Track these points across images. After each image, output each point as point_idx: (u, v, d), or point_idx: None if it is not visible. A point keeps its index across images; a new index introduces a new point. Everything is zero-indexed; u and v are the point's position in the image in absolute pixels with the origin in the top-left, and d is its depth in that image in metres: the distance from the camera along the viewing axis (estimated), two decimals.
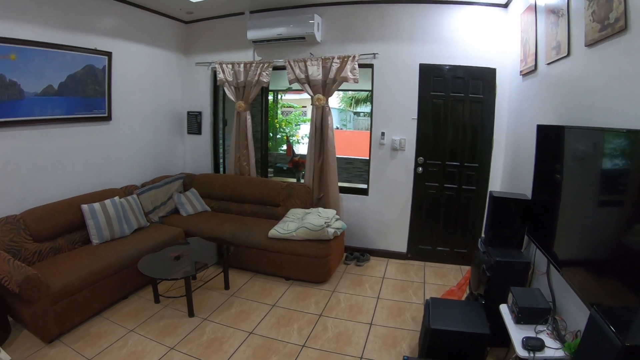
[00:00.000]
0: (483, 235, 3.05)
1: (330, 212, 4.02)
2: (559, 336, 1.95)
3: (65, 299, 2.98)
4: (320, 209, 4.08)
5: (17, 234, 3.30)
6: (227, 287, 3.73)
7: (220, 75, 4.78)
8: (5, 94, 3.34)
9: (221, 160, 5.49)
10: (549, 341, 1.92)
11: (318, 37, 4.32)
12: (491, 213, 2.82)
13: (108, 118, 4.25)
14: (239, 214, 4.64)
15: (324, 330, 3.08)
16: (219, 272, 3.84)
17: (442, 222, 4.30)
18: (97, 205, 3.80)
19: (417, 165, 4.20)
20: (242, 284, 3.85)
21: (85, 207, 3.74)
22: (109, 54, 4.14)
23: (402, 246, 4.40)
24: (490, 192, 2.96)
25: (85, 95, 4.01)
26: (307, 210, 4.14)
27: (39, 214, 3.51)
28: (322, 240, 3.75)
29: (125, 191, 4.36)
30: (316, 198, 4.54)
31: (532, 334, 1.96)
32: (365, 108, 13.00)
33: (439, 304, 2.67)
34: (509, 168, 3.71)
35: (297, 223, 3.88)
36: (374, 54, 4.15)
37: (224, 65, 4.72)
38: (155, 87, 4.86)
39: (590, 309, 1.63)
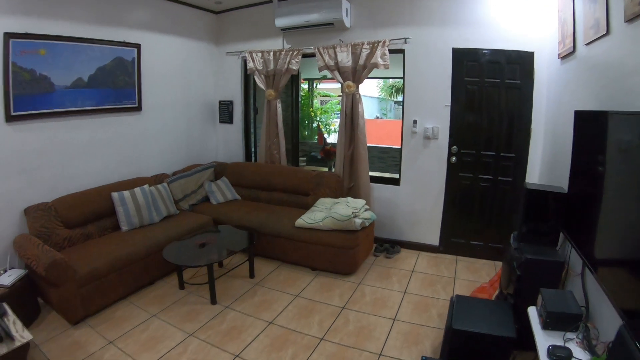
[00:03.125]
0: (517, 230, 2.87)
1: (359, 202, 3.96)
2: (589, 346, 1.75)
3: (91, 283, 3.10)
4: (349, 199, 4.02)
5: (48, 220, 3.47)
6: (252, 275, 3.76)
7: (250, 64, 4.78)
8: (37, 88, 3.49)
9: (253, 149, 5.51)
10: (577, 351, 1.73)
11: (347, 23, 4.22)
12: (525, 207, 2.62)
13: (138, 108, 4.36)
14: (268, 203, 4.66)
15: (345, 323, 3.02)
16: (244, 260, 3.85)
17: (476, 215, 4.12)
18: (126, 193, 3.93)
19: (450, 154, 4.04)
20: (268, 273, 3.86)
21: (115, 194, 3.87)
22: (138, 46, 4.23)
23: (434, 239, 4.28)
24: (525, 184, 2.78)
25: (115, 87, 4.12)
26: (336, 200, 4.07)
27: (69, 202, 3.68)
28: (350, 231, 3.68)
29: (156, 179, 4.47)
30: (346, 187, 4.49)
31: (560, 342, 1.79)
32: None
33: (464, 303, 2.53)
34: (548, 159, 3.47)
35: (324, 213, 3.82)
36: (405, 38, 4.02)
37: (253, 54, 4.74)
38: (187, 78, 4.96)
39: (622, 318, 1.46)
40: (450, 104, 3.98)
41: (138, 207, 3.92)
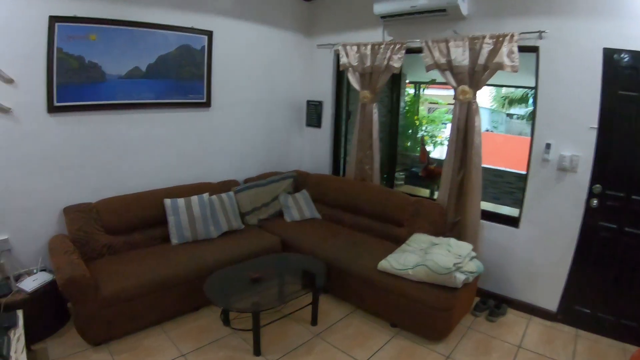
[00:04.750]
0: None
1: (465, 248, 3.57)
2: None
3: (117, 305, 3.15)
4: (452, 241, 3.67)
5: (88, 223, 3.65)
6: (314, 321, 3.57)
7: (343, 59, 4.66)
8: (85, 76, 3.64)
9: (342, 160, 5.39)
10: None
11: (464, 10, 3.86)
12: None
13: (207, 104, 4.49)
14: (351, 228, 4.50)
15: None
16: (309, 301, 3.58)
17: (612, 279, 3.51)
18: (181, 201, 4.01)
19: (591, 195, 3.48)
20: (335, 320, 3.65)
21: (167, 201, 3.98)
22: (209, 33, 4.33)
23: (551, 302, 3.78)
24: None
25: (180, 79, 4.23)
26: (434, 240, 3.75)
27: (115, 205, 3.84)
28: (447, 287, 3.28)
29: (222, 187, 4.54)
30: (450, 222, 4.13)
31: None
32: (519, 110, 12.21)
33: None
34: None
35: (417, 257, 3.49)
36: (540, 32, 3.52)
37: (347, 47, 4.60)
38: (269, 72, 5.01)
39: None
40: (597, 126, 3.39)
41: (192, 218, 3.98)
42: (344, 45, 4.63)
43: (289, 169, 5.33)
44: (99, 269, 3.37)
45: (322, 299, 3.77)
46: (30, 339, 3.11)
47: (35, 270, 3.53)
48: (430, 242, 3.72)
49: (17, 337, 2.75)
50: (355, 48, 4.57)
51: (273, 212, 4.72)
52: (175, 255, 3.68)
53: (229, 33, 4.54)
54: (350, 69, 4.64)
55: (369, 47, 4.46)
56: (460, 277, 3.24)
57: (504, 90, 11.73)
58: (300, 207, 4.72)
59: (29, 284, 3.26)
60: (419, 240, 3.82)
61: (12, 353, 2.58)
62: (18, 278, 3.42)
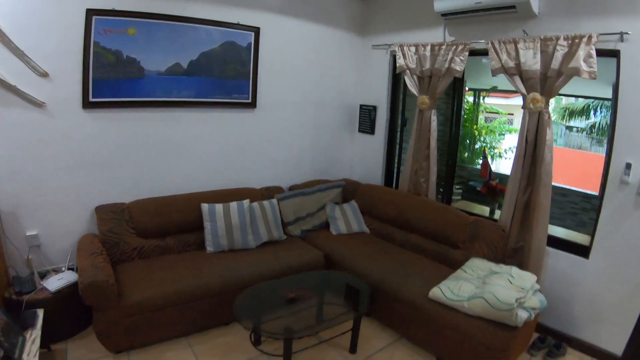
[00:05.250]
0: None
1: (528, 280, 3.30)
2: None
3: (141, 314, 3.17)
4: (514, 270, 3.41)
5: (119, 224, 3.73)
6: (353, 349, 3.43)
7: (400, 61, 4.49)
8: (122, 72, 3.71)
9: (395, 170, 5.22)
10: None
11: (535, 7, 3.58)
12: None
13: (252, 105, 4.48)
14: (401, 246, 4.34)
15: None
16: (349, 327, 3.41)
17: None
18: (219, 206, 4.00)
19: None
20: (377, 349, 3.51)
21: (205, 206, 3.98)
22: (256, 30, 4.31)
23: (617, 345, 3.44)
24: None
25: (223, 77, 4.25)
26: (494, 267, 3.51)
27: (148, 207, 3.89)
28: (505, 325, 2.99)
29: (265, 193, 4.52)
30: (512, 247, 3.84)
31: None
32: (579, 122, 11.64)
33: None
34: None
35: (474, 286, 3.27)
36: (622, 33, 3.19)
37: (405, 48, 4.45)
38: (320, 73, 4.96)
39: None
40: None
41: (230, 226, 3.96)
42: (401, 46, 4.47)
43: (338, 177, 5.25)
44: (127, 273, 3.42)
45: (364, 323, 3.60)
46: (51, 338, 3.25)
47: (63, 269, 3.64)
48: (490, 270, 3.47)
49: (33, 339, 2.83)
50: (413, 49, 4.41)
51: (318, 224, 4.64)
52: (209, 265, 3.66)
53: (277, 30, 4.51)
54: (407, 71, 4.48)
55: (428, 47, 4.28)
56: (522, 315, 2.95)
57: (564, 100, 11.27)
58: (347, 220, 4.61)
59: (54, 283, 3.37)
60: (477, 266, 3.59)
61: (24, 356, 2.63)
62: (45, 275, 3.55)
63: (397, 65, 4.56)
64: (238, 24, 4.23)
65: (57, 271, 3.61)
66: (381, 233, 4.58)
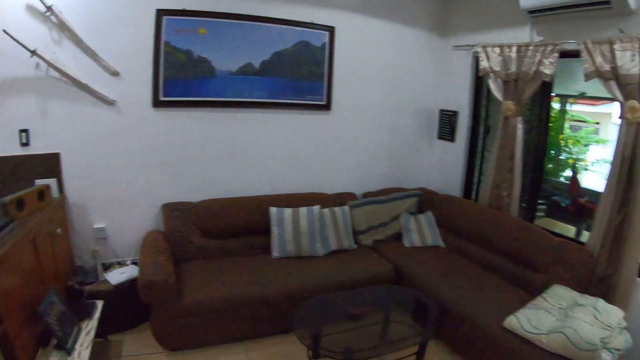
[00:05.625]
0: None
1: (615, 315, 3.00)
2: None
3: (198, 315, 3.33)
4: (600, 304, 3.10)
5: (184, 223, 3.95)
6: None
7: (483, 63, 4.29)
8: (193, 71, 3.91)
9: (475, 182, 5.00)
10: None
11: (632, 3, 3.26)
12: None
13: (326, 107, 4.51)
14: (478, 265, 4.16)
15: None
16: (413, 351, 3.21)
17: None
18: (288, 211, 4.06)
19: None
20: None
21: (273, 210, 4.07)
22: (331, 29, 4.33)
23: None
24: None
25: (296, 78, 4.32)
26: (578, 298, 3.22)
27: (215, 207, 4.07)
28: None
29: (337, 199, 4.52)
30: (599, 276, 3.50)
31: None
32: None
33: None
34: None
35: (555, 319, 3.02)
36: None
37: (488, 49, 4.24)
38: (397, 75, 4.88)
39: None
40: None
41: (298, 232, 4.02)
42: (484, 47, 4.25)
43: (414, 186, 5.11)
44: (188, 272, 3.61)
45: (430, 345, 3.41)
46: (108, 329, 3.53)
47: (127, 262, 3.97)
48: (574, 301, 3.18)
49: (88, 330, 3.09)
50: (497, 50, 4.17)
51: (391, 234, 4.57)
52: (272, 271, 3.75)
53: (352, 29, 4.50)
54: (491, 74, 4.24)
55: (514, 49, 4.04)
56: (605, 357, 2.70)
57: None
58: (422, 231, 4.49)
59: (116, 276, 3.66)
60: (559, 295, 3.31)
61: (77, 345, 2.88)
62: (108, 267, 3.88)
63: (480, 67, 4.33)
64: (312, 24, 4.28)
65: (121, 264, 3.96)
66: (457, 249, 4.41)
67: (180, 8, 3.80)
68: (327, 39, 4.40)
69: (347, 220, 4.34)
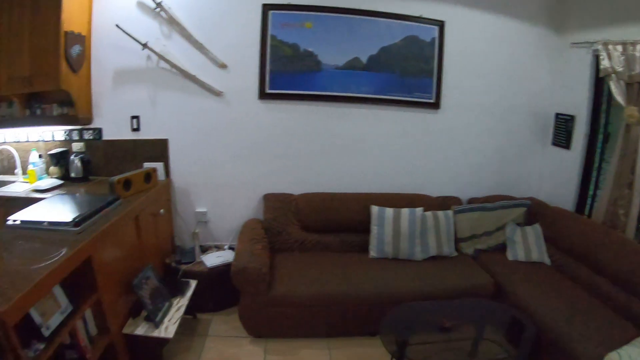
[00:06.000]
0: None
1: None
2: None
3: (286, 307, 3.55)
4: None
5: (284, 214, 4.24)
6: None
7: (604, 63, 3.97)
8: (299, 65, 4.13)
9: (590, 195, 4.62)
10: None
11: None
12: None
13: (435, 106, 4.48)
14: (584, 288, 3.86)
15: None
16: None
17: None
18: (389, 211, 4.13)
19: None
20: None
21: (375, 209, 4.15)
22: (440, 24, 4.30)
23: None
24: None
25: (404, 74, 4.34)
26: None
27: (316, 201, 4.27)
28: None
29: (440, 203, 4.50)
30: None
31: None
32: None
33: None
34: None
35: None
36: None
37: (610, 47, 3.92)
38: (509, 74, 4.74)
39: None
40: None
41: (398, 233, 4.06)
42: (605, 44, 3.93)
43: (523, 195, 4.89)
44: (282, 264, 3.86)
45: None
46: (199, 308, 3.95)
47: (225, 247, 4.38)
48: None
49: (179, 306, 3.46)
50: (619, 48, 3.85)
51: (494, 244, 4.43)
52: (366, 271, 3.84)
53: (462, 24, 4.46)
54: (612, 75, 3.91)
55: (638, 47, 3.72)
56: None
57: None
58: (527, 245, 4.27)
59: (212, 259, 4.06)
60: None
61: (165, 320, 3.25)
62: (206, 250, 4.31)
63: (601, 67, 3.99)
64: (421, 17, 4.27)
65: (219, 248, 4.39)
66: (563, 267, 4.13)
67: (285, 2, 4.04)
68: (436, 34, 4.37)
69: (450, 226, 4.30)
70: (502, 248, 4.42)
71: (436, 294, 3.66)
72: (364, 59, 4.28)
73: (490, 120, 4.80)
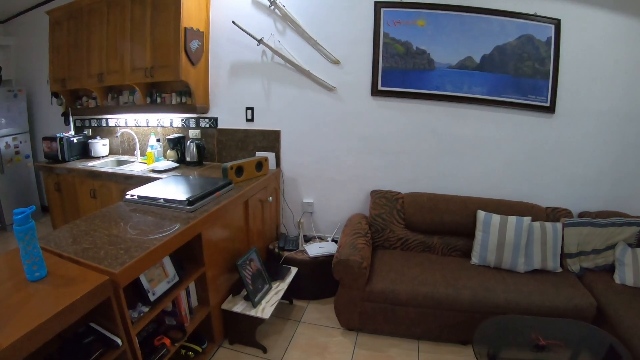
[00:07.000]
0: None
1: None
2: None
3: (382, 303, 3.66)
4: None
5: (389, 212, 4.33)
6: None
7: None
8: (411, 63, 4.14)
9: None
10: None
11: None
12: None
13: (550, 109, 4.33)
14: None
15: None
16: None
17: None
18: (496, 217, 4.07)
19: None
20: None
21: (481, 214, 4.13)
22: (556, 22, 4.11)
23: None
24: None
25: (517, 75, 4.23)
26: None
27: (422, 201, 4.32)
28: None
29: (550, 214, 4.35)
30: None
31: None
32: None
33: None
34: None
35: None
36: None
37: None
38: (633, 79, 4.33)
39: None
40: None
41: (502, 241, 4.01)
42: None
43: (638, 213, 4.53)
44: (383, 260, 3.97)
45: None
46: (296, 295, 4.20)
47: (328, 239, 4.58)
48: None
49: (277, 290, 3.72)
50: None
51: (602, 264, 4.23)
52: (466, 278, 3.84)
53: (580, 23, 4.21)
54: None
55: None
56: None
57: None
58: (638, 269, 4.02)
59: (314, 249, 4.25)
60: None
61: (263, 302, 3.51)
62: (309, 240, 4.53)
63: None
64: (535, 15, 4.12)
65: (322, 239, 4.58)
66: None
67: (397, 0, 4.02)
68: (552, 33, 4.17)
69: (558, 240, 4.14)
70: (609, 269, 4.20)
71: (534, 310, 3.62)
72: (477, 58, 4.20)
73: (609, 128, 4.52)
